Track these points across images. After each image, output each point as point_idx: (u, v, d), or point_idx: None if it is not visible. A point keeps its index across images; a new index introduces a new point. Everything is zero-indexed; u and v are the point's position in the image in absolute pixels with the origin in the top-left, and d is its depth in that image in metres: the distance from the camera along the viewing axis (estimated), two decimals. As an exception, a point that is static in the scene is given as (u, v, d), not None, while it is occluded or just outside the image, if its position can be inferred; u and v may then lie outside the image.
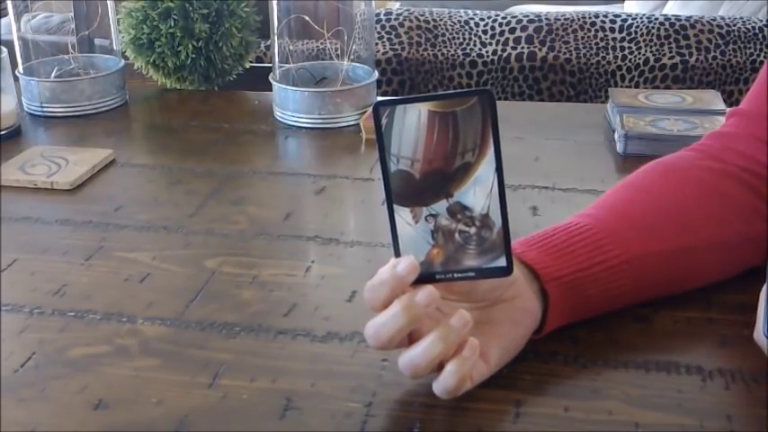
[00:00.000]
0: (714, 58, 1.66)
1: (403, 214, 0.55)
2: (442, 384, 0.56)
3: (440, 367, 0.56)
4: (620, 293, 0.67)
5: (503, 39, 1.71)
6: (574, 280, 0.64)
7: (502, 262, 0.56)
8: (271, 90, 1.19)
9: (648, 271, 0.67)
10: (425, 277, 0.56)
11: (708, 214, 0.71)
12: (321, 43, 1.21)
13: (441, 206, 0.55)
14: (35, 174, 0.98)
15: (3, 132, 1.10)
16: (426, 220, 0.55)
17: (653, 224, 0.69)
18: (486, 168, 0.54)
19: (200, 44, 1.24)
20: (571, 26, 1.71)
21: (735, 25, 1.70)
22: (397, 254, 0.56)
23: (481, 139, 0.54)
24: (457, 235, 0.56)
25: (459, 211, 0.55)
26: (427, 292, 0.55)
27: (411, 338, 0.57)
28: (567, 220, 0.69)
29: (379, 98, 1.20)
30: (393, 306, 0.55)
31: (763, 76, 0.75)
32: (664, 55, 1.68)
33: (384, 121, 0.53)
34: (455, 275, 0.57)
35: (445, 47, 1.71)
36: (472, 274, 0.57)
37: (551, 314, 0.64)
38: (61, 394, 0.62)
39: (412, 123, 0.53)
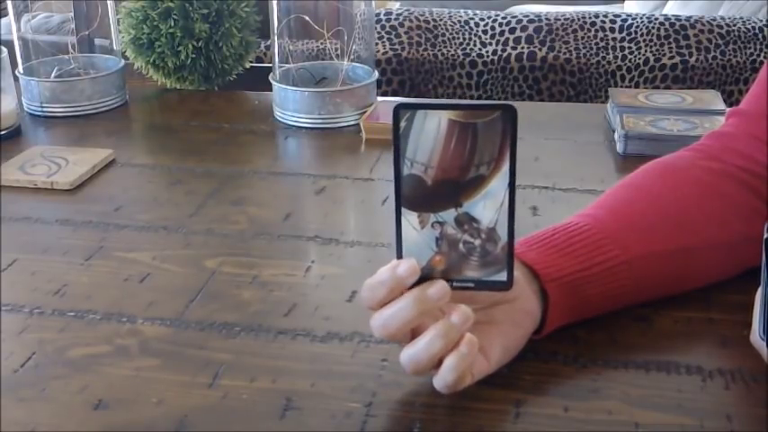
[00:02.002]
0: (714, 58, 1.66)
1: (410, 218, 0.55)
2: (442, 380, 0.56)
3: (440, 363, 0.56)
4: (621, 294, 0.67)
5: (503, 39, 1.71)
6: (574, 280, 0.64)
7: (503, 276, 0.57)
8: (271, 90, 1.19)
9: (648, 271, 0.67)
10: (425, 281, 0.56)
11: (707, 214, 0.71)
12: (321, 43, 1.21)
13: (449, 215, 0.55)
14: (35, 174, 0.98)
15: (3, 132, 1.10)
16: (433, 226, 0.55)
17: (653, 224, 0.69)
18: (499, 183, 0.54)
19: (200, 44, 1.24)
20: (571, 26, 1.71)
21: (735, 25, 1.70)
22: (399, 256, 0.56)
23: (498, 153, 0.54)
24: (461, 245, 0.56)
25: (466, 221, 0.55)
26: (440, 286, 0.55)
27: (412, 334, 0.57)
28: (566, 219, 0.69)
29: (380, 98, 1.20)
30: (405, 297, 0.55)
31: (762, 77, 0.75)
32: (664, 55, 1.68)
33: (403, 123, 0.53)
34: (454, 284, 0.57)
35: (445, 47, 1.71)
36: (471, 284, 0.57)
37: (551, 314, 0.64)
38: (61, 394, 0.62)
39: (431, 130, 0.53)
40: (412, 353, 0.56)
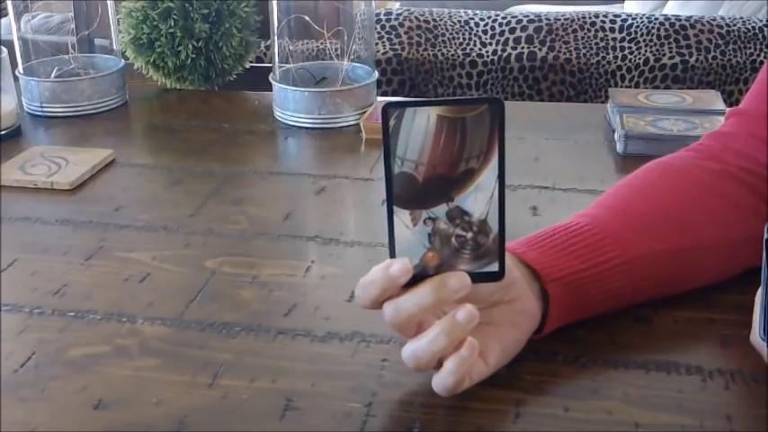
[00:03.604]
0: (714, 58, 1.66)
1: (402, 217, 0.55)
2: (441, 383, 0.56)
3: (439, 364, 0.56)
4: (621, 293, 0.67)
5: (503, 39, 1.71)
6: (575, 280, 0.64)
7: (494, 267, 0.57)
8: (271, 90, 1.19)
9: (648, 271, 0.67)
10: (419, 279, 0.56)
11: (708, 214, 0.71)
12: (321, 43, 1.21)
13: (440, 210, 0.55)
14: (35, 174, 0.98)
15: (3, 132, 1.10)
16: (425, 223, 0.55)
17: (653, 224, 0.69)
18: (488, 175, 0.54)
19: (200, 44, 1.24)
20: (571, 26, 1.71)
21: (735, 25, 1.70)
22: (393, 255, 0.56)
23: (487, 146, 0.54)
24: (453, 239, 0.56)
25: (458, 215, 0.55)
26: (460, 276, 0.55)
27: (416, 330, 0.57)
28: (566, 219, 0.69)
29: (380, 98, 1.20)
30: (424, 284, 0.55)
31: (762, 76, 0.75)
32: (664, 55, 1.68)
33: (392, 122, 0.53)
34: None
35: (445, 47, 1.71)
36: None
37: (552, 315, 0.64)
38: (61, 394, 0.62)
39: (420, 127, 0.53)
40: (415, 348, 0.56)
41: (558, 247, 0.65)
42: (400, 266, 0.55)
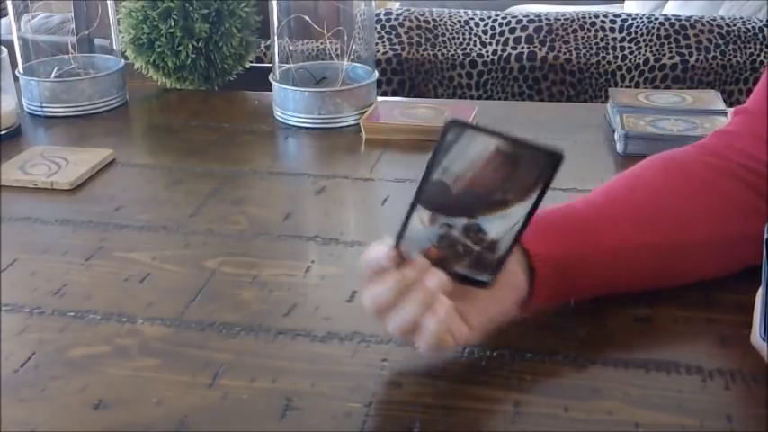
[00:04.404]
0: (714, 58, 1.66)
1: (422, 214, 0.56)
2: (424, 341, 0.58)
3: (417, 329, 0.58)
4: (612, 281, 0.67)
5: (503, 39, 1.71)
6: (563, 260, 0.64)
7: (485, 278, 0.58)
8: (271, 90, 1.19)
9: (642, 262, 0.67)
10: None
11: (707, 211, 0.71)
12: (321, 43, 1.21)
13: (460, 221, 0.56)
14: (35, 174, 0.98)
15: (3, 132, 1.10)
16: (440, 226, 0.56)
17: (650, 217, 0.69)
18: (519, 209, 0.55)
19: (200, 44, 1.24)
20: (571, 26, 1.71)
21: (735, 25, 1.69)
22: (398, 242, 0.57)
23: (529, 187, 0.54)
24: (460, 247, 0.56)
25: (474, 231, 0.56)
26: (438, 275, 0.57)
27: None
28: (564, 203, 0.70)
29: (380, 98, 1.20)
30: (391, 274, 0.58)
31: (766, 75, 0.75)
32: (664, 55, 1.68)
33: (449, 137, 0.53)
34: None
35: (445, 47, 1.71)
36: (455, 275, 0.58)
37: (537, 290, 0.64)
38: (61, 394, 0.62)
39: (475, 151, 0.53)
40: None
41: (551, 228, 0.66)
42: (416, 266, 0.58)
